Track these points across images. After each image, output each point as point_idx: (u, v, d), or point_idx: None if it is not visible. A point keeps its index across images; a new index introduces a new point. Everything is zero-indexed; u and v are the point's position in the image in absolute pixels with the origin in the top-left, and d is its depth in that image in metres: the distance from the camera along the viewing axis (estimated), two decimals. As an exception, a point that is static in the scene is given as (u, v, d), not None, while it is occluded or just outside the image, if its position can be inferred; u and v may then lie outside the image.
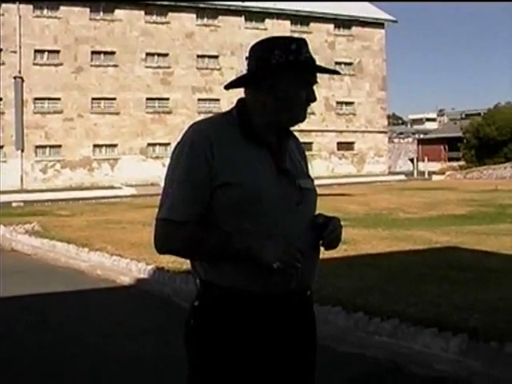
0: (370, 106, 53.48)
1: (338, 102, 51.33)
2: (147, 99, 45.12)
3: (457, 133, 64.25)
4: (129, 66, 44.64)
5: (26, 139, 41.59)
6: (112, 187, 39.47)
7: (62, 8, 42.49)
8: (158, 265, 10.03)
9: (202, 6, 46.43)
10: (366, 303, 7.02)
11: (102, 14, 43.91)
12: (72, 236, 14.01)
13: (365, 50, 53.36)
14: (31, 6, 41.65)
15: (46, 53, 42.48)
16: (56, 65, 42.62)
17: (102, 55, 44.07)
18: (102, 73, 43.91)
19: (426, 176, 48.61)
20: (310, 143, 46.95)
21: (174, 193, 2.44)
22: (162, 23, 45.77)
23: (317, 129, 47.38)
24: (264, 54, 2.48)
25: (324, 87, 46.88)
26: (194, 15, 46.73)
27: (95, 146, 43.75)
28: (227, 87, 2.65)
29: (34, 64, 41.99)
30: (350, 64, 51.81)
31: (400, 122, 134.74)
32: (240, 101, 2.58)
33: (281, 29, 47.30)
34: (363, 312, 6.55)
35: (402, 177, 49.01)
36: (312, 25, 50.67)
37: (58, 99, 42.54)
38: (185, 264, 9.33)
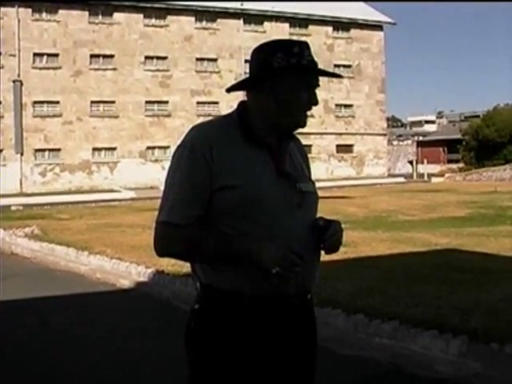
0: (369, 109, 53.53)
1: (337, 105, 51.38)
2: (146, 102, 45.16)
3: (456, 135, 64.36)
4: (128, 69, 44.67)
5: (25, 143, 41.61)
6: (111, 190, 39.46)
7: (60, 11, 42.53)
8: (157, 268, 10.02)
9: (200, 9, 46.45)
10: (366, 305, 7.02)
11: (100, 17, 43.95)
12: (71, 239, 14.00)
13: (364, 52, 53.43)
14: (30, 10, 41.70)
15: (45, 56, 42.52)
16: (55, 68, 42.65)
17: (100, 58, 44.10)
18: (101, 76, 43.95)
19: (426, 178, 48.59)
20: (309, 146, 46.88)
21: (174, 196, 2.44)
22: (161, 26, 45.81)
23: (316, 131, 47.35)
24: (266, 57, 2.47)
25: (323, 90, 46.58)
26: (193, 18, 46.77)
27: (94, 149, 43.77)
28: (229, 90, 2.65)
29: (33, 67, 42.02)
30: (348, 66, 51.85)
31: (399, 124, 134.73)
32: (241, 103, 2.57)
33: (279, 31, 47.36)
34: (363, 314, 6.54)
35: (402, 179, 49.00)
36: (311, 27, 50.73)
37: (57, 102, 42.57)
38: (184, 267, 9.32)
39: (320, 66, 2.58)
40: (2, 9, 40.67)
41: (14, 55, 41.19)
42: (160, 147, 45.22)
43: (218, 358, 2.43)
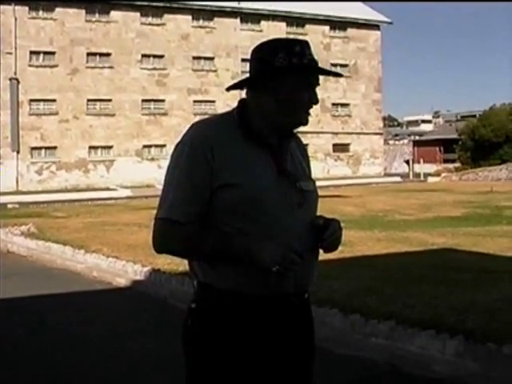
0: (365, 108, 53.56)
1: (333, 104, 51.36)
2: (143, 101, 45.12)
3: (452, 134, 64.39)
4: (124, 68, 44.62)
5: (21, 141, 41.54)
6: (107, 189, 39.41)
7: (57, 9, 42.46)
8: (154, 266, 10.01)
9: (197, 7, 46.44)
10: (363, 305, 7.02)
11: (97, 15, 43.90)
12: (68, 238, 13.99)
13: (360, 51, 53.44)
14: (27, 8, 41.61)
15: (42, 54, 42.45)
16: (51, 66, 42.58)
17: (97, 57, 44.05)
18: (98, 74, 43.89)
19: (422, 178, 48.59)
20: (306, 145, 46.32)
21: (174, 193, 2.43)
22: (158, 25, 45.76)
23: (312, 130, 47.35)
24: (267, 57, 2.46)
25: (319, 89, 44.91)
26: (190, 17, 46.74)
27: (91, 147, 43.72)
28: (229, 89, 2.64)
29: (30, 65, 41.95)
30: (345, 66, 51.82)
31: (395, 123, 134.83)
32: (241, 102, 2.57)
33: (276, 30, 47.31)
34: (360, 314, 6.53)
35: (398, 178, 49.04)
36: (307, 26, 50.73)
37: (54, 101, 42.50)
38: (181, 266, 9.32)
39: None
40: (-1, 6, 40.64)
41: (11, 53, 41.11)
42: (156, 146, 45.17)
43: (216, 357, 2.43)
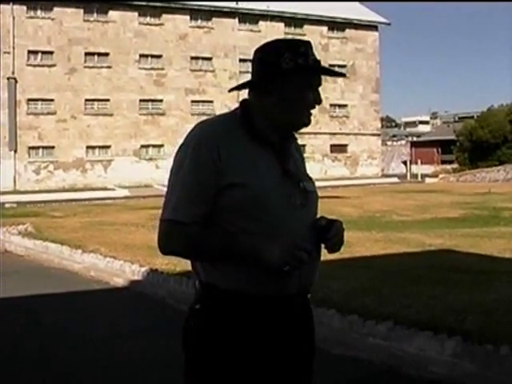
0: (363, 109, 53.60)
1: (331, 105, 51.33)
2: (140, 101, 45.11)
3: (450, 135, 64.45)
4: (122, 68, 44.62)
5: (19, 140, 41.53)
6: (105, 189, 39.40)
7: (55, 9, 42.45)
8: (152, 266, 10.00)
9: (195, 7, 46.44)
10: (361, 305, 7.01)
11: (95, 15, 43.89)
12: (65, 237, 13.97)
13: (358, 52, 53.49)
14: (25, 7, 41.61)
15: (40, 54, 42.43)
16: (49, 66, 42.57)
17: (95, 56, 44.04)
18: (96, 74, 43.88)
19: (419, 179, 48.66)
20: (303, 145, 46.87)
21: (180, 194, 2.41)
22: (156, 25, 45.76)
23: (310, 131, 47.36)
24: (272, 58, 2.45)
25: None
26: (188, 17, 46.73)
27: (88, 147, 43.71)
28: (232, 90, 2.64)
29: (28, 65, 41.95)
30: (343, 66, 51.81)
31: (393, 124, 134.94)
32: (244, 101, 2.56)
33: (274, 31, 47.36)
34: (357, 314, 6.53)
35: (395, 179, 49.05)
36: (306, 27, 50.75)
37: (52, 100, 42.49)
38: (179, 266, 9.33)
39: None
40: (-3, 6, 40.61)
41: (9, 52, 41.08)
42: (154, 146, 45.15)
43: (220, 358, 2.41)
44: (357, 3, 56.63)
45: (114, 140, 44.21)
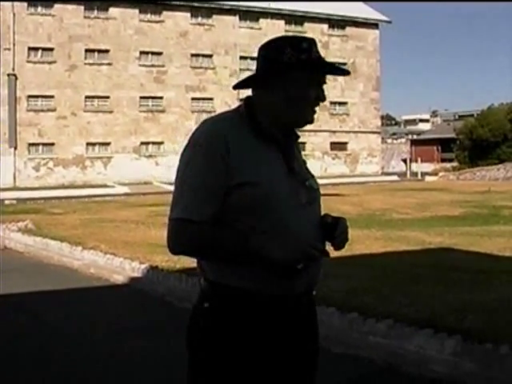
0: (363, 107, 53.57)
1: (331, 102, 51.25)
2: (141, 98, 45.09)
3: (450, 134, 64.43)
4: (122, 65, 44.60)
5: (18, 137, 41.53)
6: (105, 186, 39.42)
7: (56, 6, 42.43)
8: (151, 264, 9.99)
9: (196, 4, 46.42)
10: (361, 304, 7.00)
11: (96, 12, 43.86)
12: (65, 234, 13.96)
13: (359, 50, 53.45)
14: (25, 4, 41.61)
15: (40, 50, 42.41)
16: (50, 62, 42.55)
17: (95, 53, 44.02)
18: (96, 71, 43.86)
19: (419, 177, 48.66)
20: (303, 143, 46.88)
21: (189, 192, 2.38)
22: (157, 22, 45.73)
23: (310, 128, 47.28)
24: (275, 54, 2.44)
25: None
26: (189, 14, 46.70)
27: (88, 144, 43.71)
28: (235, 87, 2.63)
29: (28, 61, 41.93)
30: (343, 64, 51.69)
31: (393, 122, 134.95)
32: (248, 99, 2.55)
33: (275, 28, 47.28)
34: (358, 312, 6.53)
35: (395, 177, 49.08)
36: (306, 25, 50.72)
37: (52, 97, 42.49)
38: (178, 263, 9.33)
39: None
40: (-2, 2, 40.59)
41: (9, 49, 41.07)
42: (154, 143, 45.13)
43: (230, 357, 2.39)
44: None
45: (113, 137, 44.20)
